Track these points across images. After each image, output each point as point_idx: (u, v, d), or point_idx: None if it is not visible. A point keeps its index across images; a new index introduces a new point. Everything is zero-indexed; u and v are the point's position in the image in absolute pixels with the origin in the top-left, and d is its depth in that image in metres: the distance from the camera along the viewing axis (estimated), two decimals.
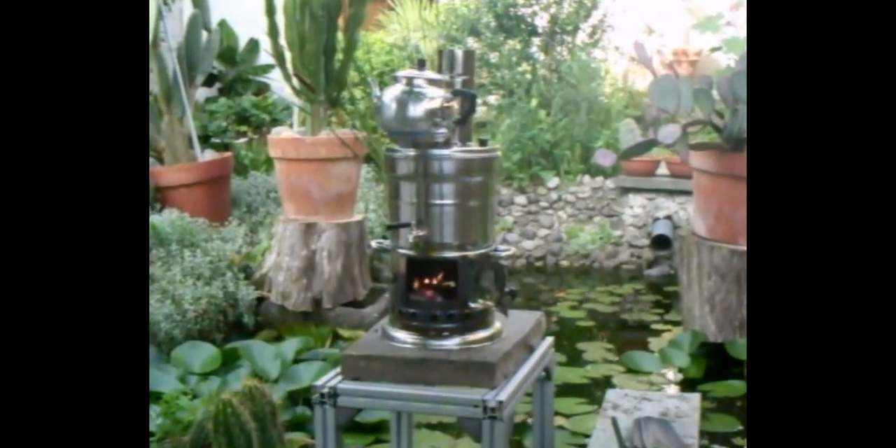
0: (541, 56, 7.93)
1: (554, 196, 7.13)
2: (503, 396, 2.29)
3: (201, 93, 7.03)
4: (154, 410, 3.01)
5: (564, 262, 6.90)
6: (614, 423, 2.92)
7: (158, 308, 3.87)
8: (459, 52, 2.48)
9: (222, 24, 7.72)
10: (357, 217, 4.58)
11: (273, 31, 4.44)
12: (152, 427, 2.96)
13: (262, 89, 7.84)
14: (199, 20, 5.79)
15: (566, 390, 4.09)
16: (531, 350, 2.62)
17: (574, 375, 4.32)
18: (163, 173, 5.21)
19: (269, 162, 5.89)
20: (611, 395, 3.30)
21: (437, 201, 2.40)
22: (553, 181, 7.14)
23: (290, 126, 5.59)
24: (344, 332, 4.28)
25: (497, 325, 2.51)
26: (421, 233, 2.38)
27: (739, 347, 4.13)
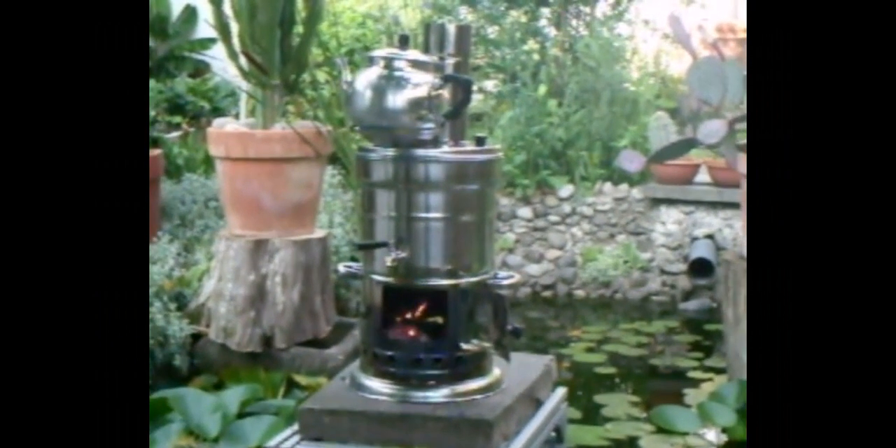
0: (551, 31, 7.95)
1: (567, 208, 7.14)
2: None
3: None
4: None
5: (579, 292, 6.90)
6: None
7: None
8: (451, 27, 2.49)
9: None
10: (319, 233, 4.57)
11: None
12: None
13: (201, 70, 7.84)
14: None
15: None
16: (538, 404, 2.62)
17: (591, 436, 4.31)
18: None
19: (208, 162, 5.87)
20: None
21: (422, 214, 2.40)
22: (566, 189, 7.15)
23: (236, 117, 5.58)
24: (302, 380, 4.26)
25: (496, 372, 2.51)
26: (401, 254, 2.38)
27: None
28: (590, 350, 5.64)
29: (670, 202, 6.98)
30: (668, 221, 7.00)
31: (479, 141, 2.50)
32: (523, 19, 7.87)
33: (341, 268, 2.60)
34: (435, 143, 2.41)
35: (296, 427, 2.43)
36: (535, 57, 7.67)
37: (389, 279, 2.44)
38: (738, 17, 8.89)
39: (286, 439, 2.40)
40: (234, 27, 4.49)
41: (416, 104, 2.34)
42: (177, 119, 7.09)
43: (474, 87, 3.48)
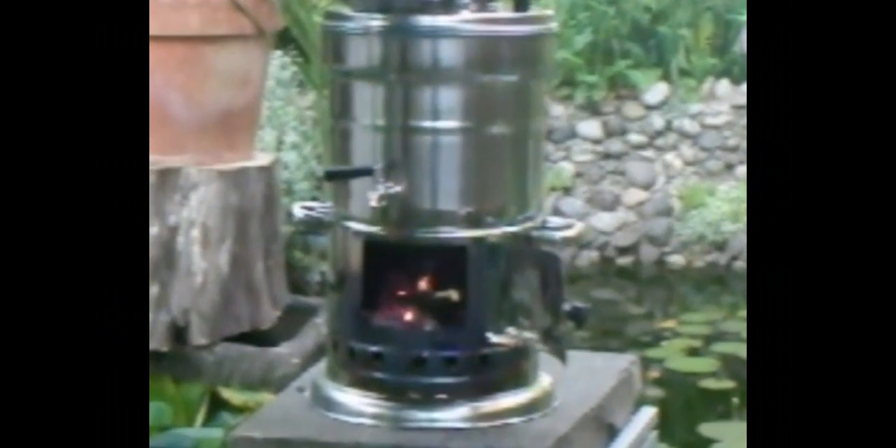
0: None
1: (657, 122, 7.14)
2: None
3: None
4: None
5: (676, 259, 6.92)
6: None
7: None
8: None
9: None
10: (262, 159, 4.57)
11: None
12: None
13: None
14: None
15: None
16: (612, 433, 2.65)
17: None
18: None
19: None
20: None
21: (428, 123, 2.41)
22: (656, 91, 7.15)
23: None
24: (234, 396, 4.29)
25: (544, 381, 2.52)
26: (394, 188, 2.37)
27: None
28: (693, 352, 5.68)
29: None
30: None
31: (520, 4, 2.47)
32: None
33: (297, 211, 2.58)
34: (448, 5, 2.38)
35: None
36: None
37: (375, 229, 2.43)
38: None
39: None
40: None
41: None
42: None
43: None
